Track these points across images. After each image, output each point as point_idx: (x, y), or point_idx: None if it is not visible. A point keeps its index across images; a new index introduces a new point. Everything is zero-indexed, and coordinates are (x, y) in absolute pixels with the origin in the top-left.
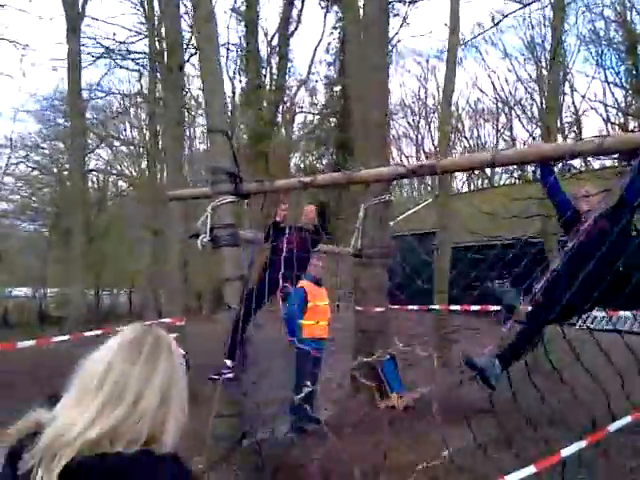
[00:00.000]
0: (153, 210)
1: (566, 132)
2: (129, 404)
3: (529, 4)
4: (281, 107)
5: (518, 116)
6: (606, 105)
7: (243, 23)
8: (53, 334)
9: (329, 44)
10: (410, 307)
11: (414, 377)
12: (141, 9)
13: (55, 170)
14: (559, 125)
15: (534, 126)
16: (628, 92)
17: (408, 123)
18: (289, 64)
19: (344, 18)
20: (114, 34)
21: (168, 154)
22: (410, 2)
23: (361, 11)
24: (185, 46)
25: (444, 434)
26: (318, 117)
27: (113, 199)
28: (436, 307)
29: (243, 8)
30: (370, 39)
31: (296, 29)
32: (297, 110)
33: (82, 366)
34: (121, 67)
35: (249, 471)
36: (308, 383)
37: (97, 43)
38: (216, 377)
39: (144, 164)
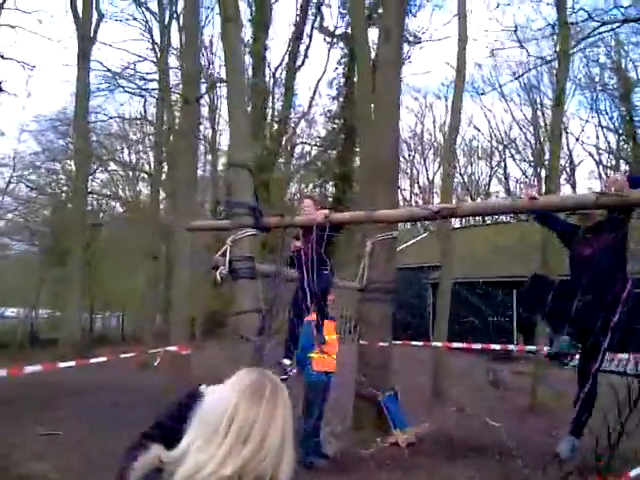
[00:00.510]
0: (153, 235)
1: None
2: (256, 443)
3: (550, 62)
4: (283, 138)
5: (512, 155)
6: (599, 148)
7: (249, 55)
8: (46, 357)
9: (334, 79)
10: (414, 343)
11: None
12: (148, 35)
13: (49, 190)
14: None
15: (527, 165)
16: (621, 137)
17: (404, 157)
18: (294, 98)
19: (355, 58)
20: (133, 65)
21: (181, 183)
22: (415, 42)
23: (371, 50)
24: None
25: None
26: (318, 149)
27: (109, 222)
28: (438, 344)
29: (250, 41)
30: (384, 80)
31: (303, 63)
32: (298, 141)
33: (203, 410)
34: (128, 92)
35: None
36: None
37: (105, 67)
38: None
39: (140, 188)
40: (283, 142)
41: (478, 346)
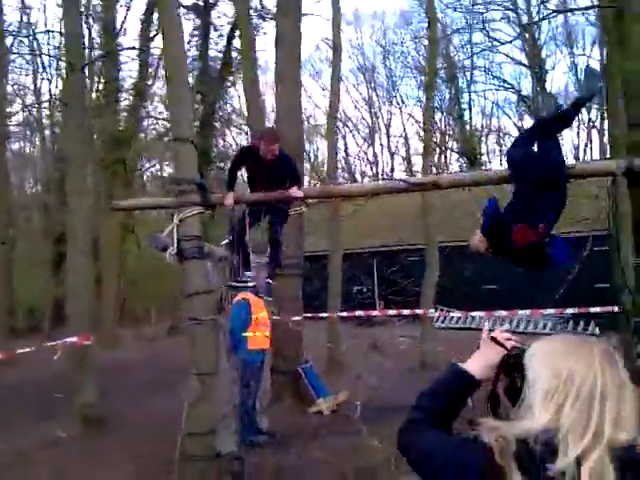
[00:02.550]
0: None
1: (393, 150)
2: (630, 407)
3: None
4: (141, 112)
5: (351, 132)
6: (424, 123)
7: (100, 23)
8: None
9: (188, 50)
10: (322, 314)
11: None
12: None
13: None
14: (386, 143)
15: (365, 143)
16: (448, 116)
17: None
18: (150, 70)
19: (209, 32)
20: None
21: (71, 159)
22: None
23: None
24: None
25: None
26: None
27: None
28: (344, 314)
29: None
30: (287, 57)
31: (157, 34)
32: (149, 115)
33: (559, 380)
34: None
35: None
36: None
37: None
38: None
39: None
40: (140, 117)
41: (382, 313)
